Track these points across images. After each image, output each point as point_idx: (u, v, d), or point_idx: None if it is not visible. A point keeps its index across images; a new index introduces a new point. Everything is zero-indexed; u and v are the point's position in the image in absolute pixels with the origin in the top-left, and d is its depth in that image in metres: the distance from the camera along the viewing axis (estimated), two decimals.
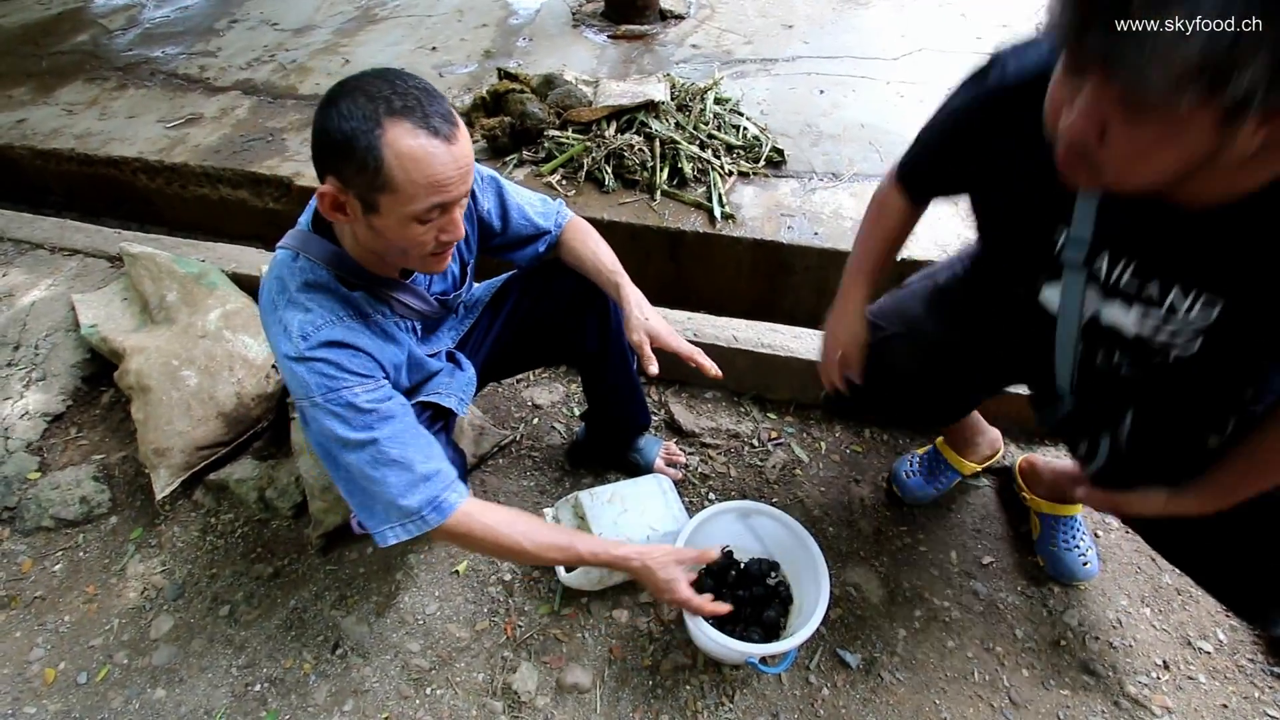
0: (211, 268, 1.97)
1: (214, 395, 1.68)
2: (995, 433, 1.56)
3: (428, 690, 1.34)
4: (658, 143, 2.13)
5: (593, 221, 1.38)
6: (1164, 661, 1.33)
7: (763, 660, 1.19)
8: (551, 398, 1.87)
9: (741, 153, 2.19)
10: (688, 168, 2.08)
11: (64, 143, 2.68)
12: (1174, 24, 0.48)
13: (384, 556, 1.55)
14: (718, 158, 2.13)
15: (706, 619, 1.18)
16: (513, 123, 2.24)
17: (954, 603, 1.42)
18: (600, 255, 1.27)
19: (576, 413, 1.83)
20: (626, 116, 2.20)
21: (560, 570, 1.43)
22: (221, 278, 1.95)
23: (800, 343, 1.74)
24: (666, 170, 2.09)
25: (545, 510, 1.50)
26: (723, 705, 1.29)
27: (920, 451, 1.59)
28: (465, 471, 1.43)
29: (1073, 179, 0.68)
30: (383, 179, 0.86)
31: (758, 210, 2.01)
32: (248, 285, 1.97)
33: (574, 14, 3.27)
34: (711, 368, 1.18)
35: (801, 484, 1.65)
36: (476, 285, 1.38)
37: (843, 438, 1.74)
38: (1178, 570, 1.27)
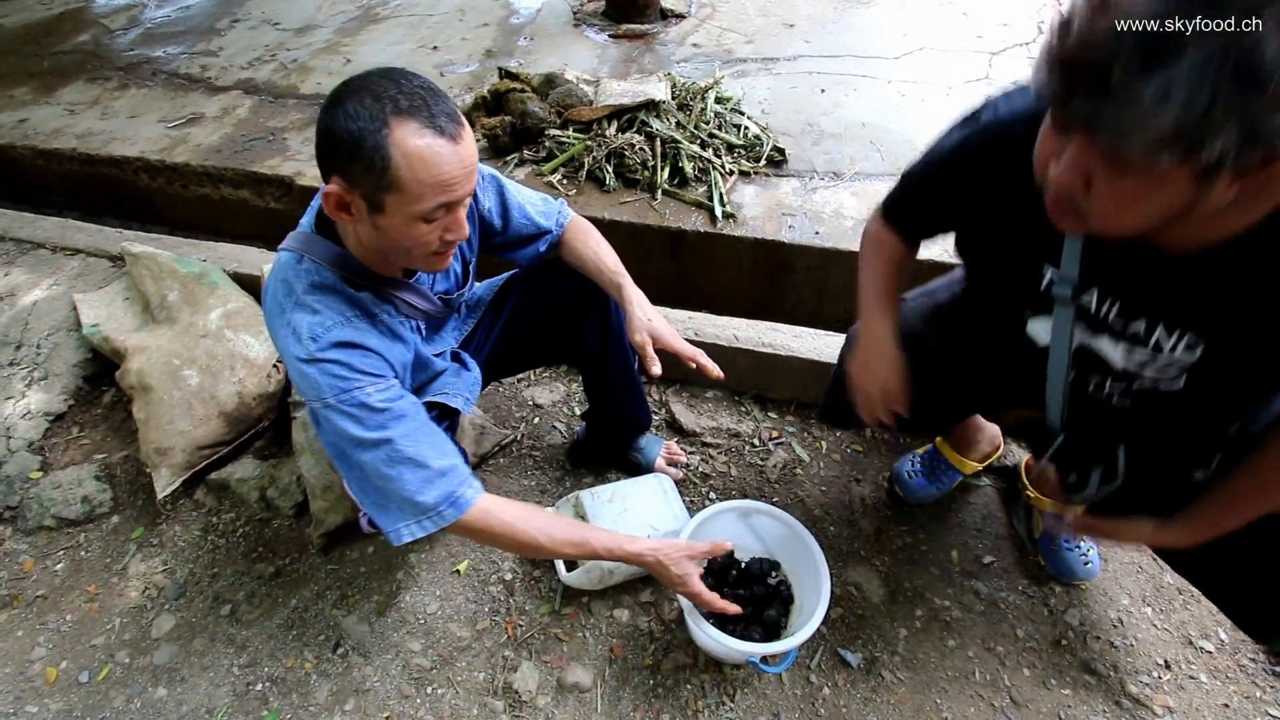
0: (213, 267, 1.97)
1: (215, 395, 1.68)
2: (995, 429, 1.56)
3: (429, 689, 1.34)
4: (659, 142, 2.13)
5: (594, 221, 1.38)
6: (1165, 661, 1.33)
7: (764, 659, 1.19)
8: (552, 397, 1.87)
9: (742, 152, 2.18)
10: (689, 167, 2.08)
11: (65, 142, 2.68)
12: (1149, 99, 0.52)
13: (385, 556, 1.55)
14: (719, 157, 2.13)
15: (707, 618, 1.18)
16: (514, 122, 2.24)
17: (955, 602, 1.42)
18: (602, 255, 1.27)
19: (577, 412, 1.83)
20: (627, 116, 2.20)
21: (561, 569, 1.43)
22: (223, 277, 1.95)
23: (801, 342, 1.74)
24: (667, 169, 2.09)
25: (546, 509, 1.50)
26: (724, 705, 1.29)
27: (920, 451, 1.58)
28: None
29: (1061, 224, 0.73)
30: (389, 179, 0.85)
31: (759, 209, 2.00)
32: (249, 285, 1.97)
33: (575, 13, 3.27)
34: (713, 369, 1.18)
35: (802, 483, 1.64)
36: (477, 285, 1.38)
37: (843, 437, 1.73)
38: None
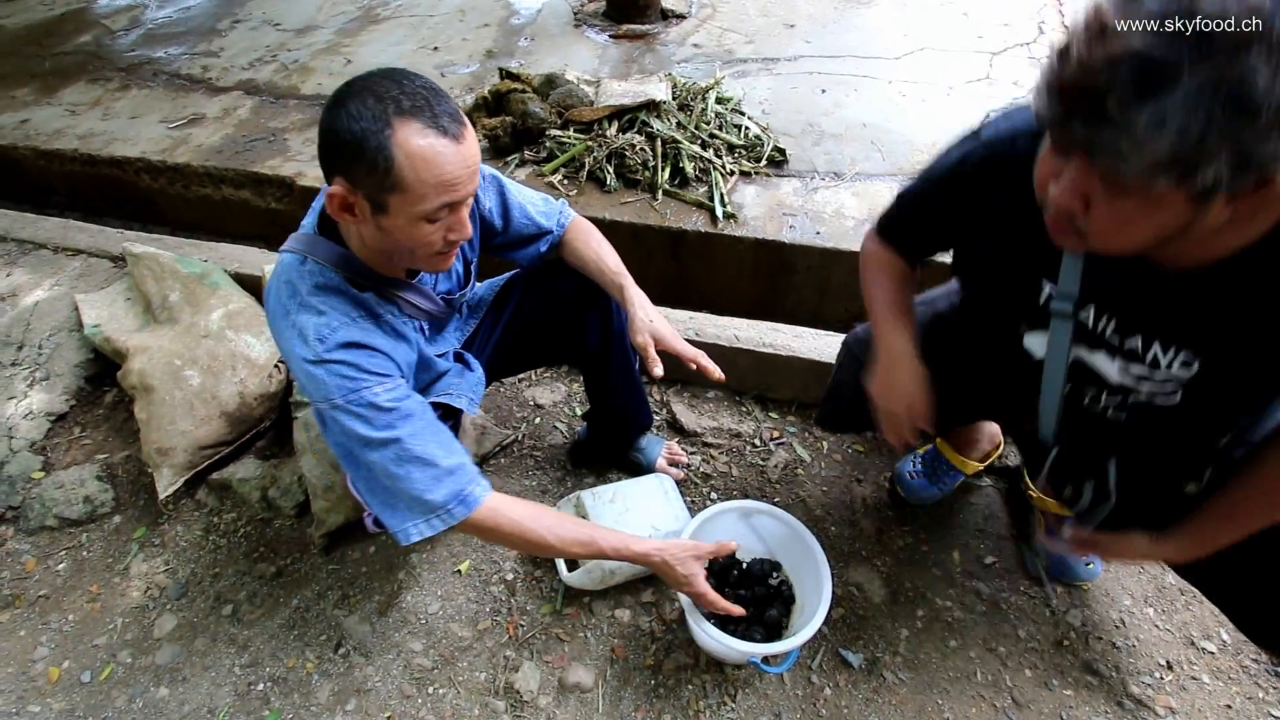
0: (214, 268, 1.98)
1: (217, 395, 1.68)
2: (994, 427, 1.56)
3: (430, 689, 1.34)
4: (659, 142, 2.13)
5: (594, 221, 1.38)
6: (1167, 662, 1.33)
7: (765, 660, 1.19)
8: (553, 397, 1.87)
9: (743, 152, 2.18)
10: (689, 167, 2.08)
11: (67, 143, 2.68)
12: (1145, 126, 0.54)
13: (386, 556, 1.55)
14: (719, 157, 2.13)
15: (709, 618, 1.18)
16: (514, 122, 2.24)
17: (956, 603, 1.42)
18: (604, 256, 1.27)
19: (578, 412, 1.83)
20: (628, 116, 2.20)
21: (562, 569, 1.43)
22: (224, 277, 1.95)
23: (802, 342, 1.74)
24: (668, 170, 2.09)
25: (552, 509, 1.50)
26: (725, 705, 1.29)
27: (921, 451, 1.58)
28: None
29: (1061, 242, 0.75)
30: (393, 179, 0.86)
31: (759, 210, 2.00)
32: (250, 285, 1.97)
33: (575, 14, 3.27)
34: (714, 370, 1.18)
35: (803, 483, 1.64)
36: (478, 285, 1.38)
37: (845, 438, 1.73)
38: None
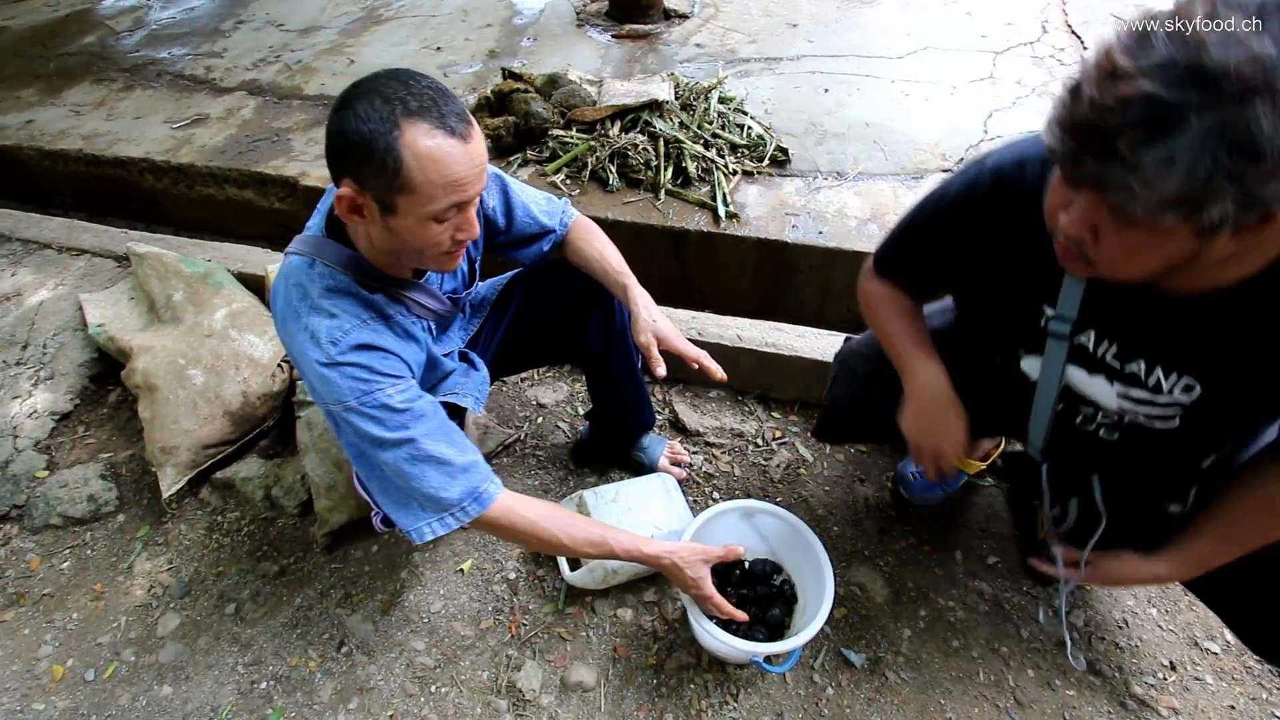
0: (218, 267, 1.98)
1: (220, 394, 1.69)
2: None
3: (432, 688, 1.35)
4: (662, 142, 2.13)
5: (597, 221, 1.38)
6: (1170, 662, 1.32)
7: (767, 659, 1.19)
8: (556, 397, 1.87)
9: (746, 152, 2.18)
10: (692, 167, 2.08)
11: (71, 143, 2.69)
12: (1153, 165, 0.56)
13: (389, 555, 1.56)
14: (722, 157, 2.13)
15: (711, 617, 1.18)
16: (517, 122, 2.25)
17: (959, 602, 1.42)
18: (607, 256, 1.27)
19: (581, 412, 1.83)
20: (631, 116, 2.20)
21: (564, 569, 1.43)
22: (228, 277, 1.96)
23: (804, 342, 1.74)
24: (671, 169, 2.09)
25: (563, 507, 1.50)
26: (727, 704, 1.29)
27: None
28: None
29: (1070, 269, 0.77)
30: (401, 180, 0.86)
31: (762, 209, 2.00)
32: (254, 285, 1.98)
33: (578, 14, 3.27)
34: (717, 371, 1.18)
35: (806, 483, 1.64)
36: (480, 284, 1.38)
37: None
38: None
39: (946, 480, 1.16)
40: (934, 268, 1.07)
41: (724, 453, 1.71)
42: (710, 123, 2.22)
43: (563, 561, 1.44)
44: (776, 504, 1.34)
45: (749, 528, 1.36)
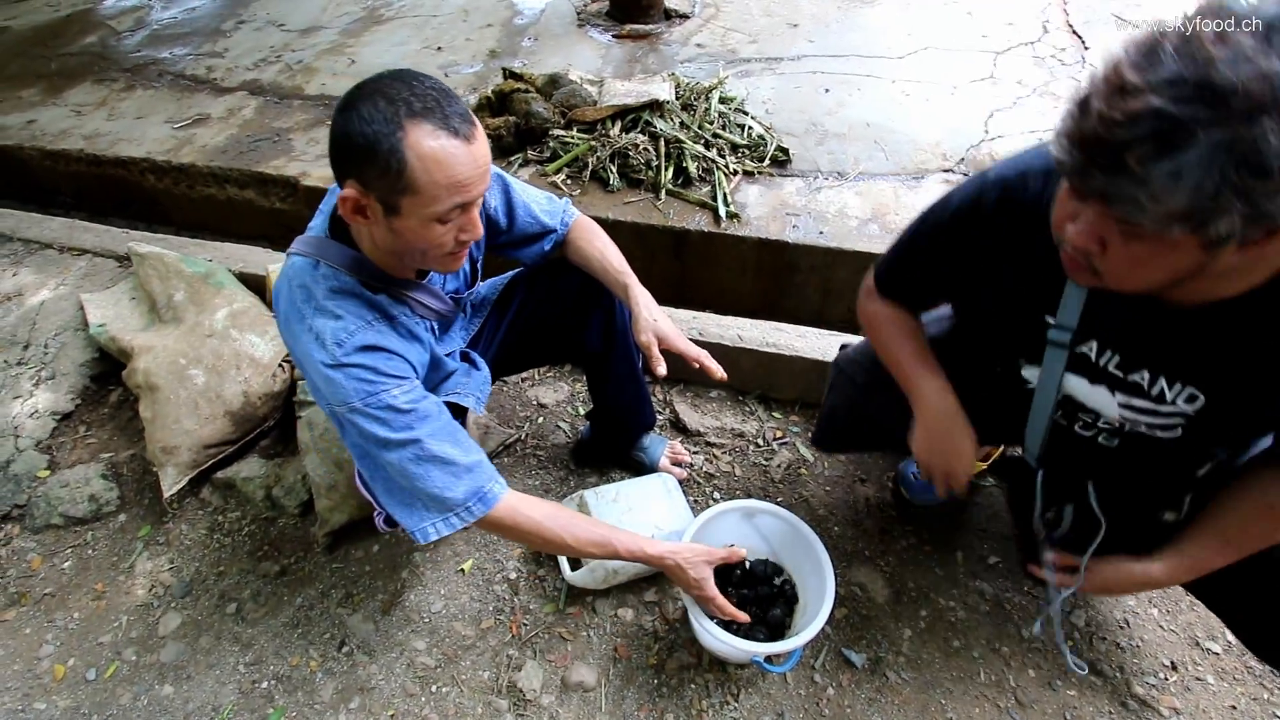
0: (219, 267, 1.98)
1: (221, 394, 1.69)
2: None
3: (433, 688, 1.35)
4: (663, 142, 2.13)
5: (598, 221, 1.38)
6: (1172, 662, 1.32)
7: (768, 659, 1.19)
8: (556, 396, 1.88)
9: (746, 152, 2.18)
10: (692, 167, 2.08)
11: (73, 143, 2.69)
12: (1162, 180, 0.57)
13: (389, 555, 1.56)
14: (722, 157, 2.13)
15: (711, 617, 1.18)
16: (518, 122, 2.25)
17: (960, 602, 1.42)
18: (608, 255, 1.27)
19: (581, 411, 1.83)
20: (631, 116, 2.20)
21: (565, 568, 1.43)
22: (229, 277, 1.96)
23: (805, 342, 1.74)
24: (671, 169, 2.09)
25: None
26: (728, 704, 1.29)
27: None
28: None
29: (1077, 279, 0.77)
30: (405, 181, 0.86)
31: (763, 209, 2.00)
32: (255, 285, 1.98)
33: (579, 14, 3.27)
34: (717, 370, 1.18)
35: (806, 483, 1.64)
36: (480, 283, 1.39)
37: None
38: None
39: (956, 495, 1.16)
40: (937, 282, 1.06)
41: (725, 453, 1.71)
42: (711, 123, 2.22)
43: (563, 561, 1.44)
44: (777, 504, 1.34)
45: (750, 528, 1.36)
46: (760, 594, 1.29)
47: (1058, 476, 1.10)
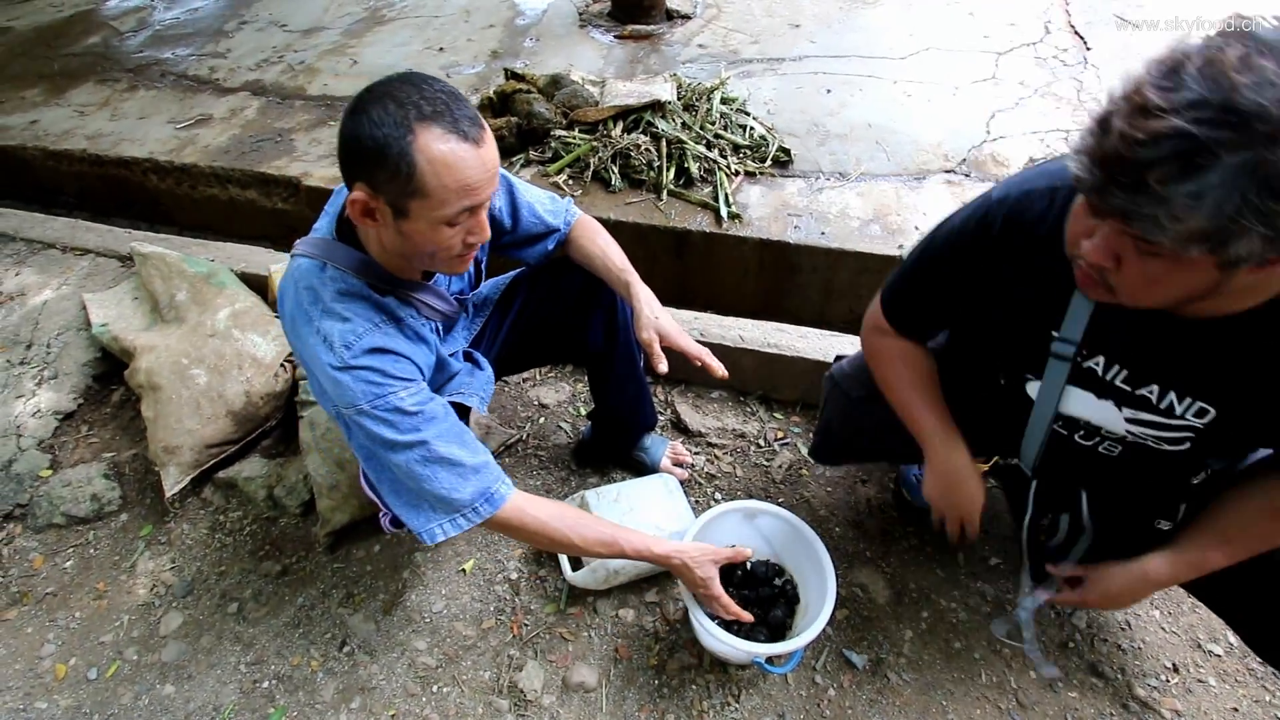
0: (221, 267, 1.99)
1: (223, 394, 1.69)
2: None
3: (434, 688, 1.35)
4: (664, 142, 2.13)
5: (599, 221, 1.38)
6: (1173, 664, 1.32)
7: (769, 660, 1.19)
8: (558, 397, 1.88)
9: (748, 152, 2.18)
10: (694, 167, 2.08)
11: (75, 143, 2.70)
12: (1181, 201, 0.57)
13: (391, 555, 1.56)
14: (724, 157, 2.13)
15: (712, 618, 1.18)
16: (520, 123, 2.25)
17: (961, 604, 1.41)
18: (610, 254, 1.27)
19: (583, 412, 1.83)
20: (633, 116, 2.20)
21: (566, 569, 1.43)
22: (231, 277, 1.96)
23: (807, 342, 1.74)
24: (673, 170, 2.09)
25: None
26: (729, 705, 1.29)
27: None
28: None
29: (1090, 295, 0.78)
30: (414, 184, 0.86)
31: (764, 210, 2.00)
32: (257, 285, 1.98)
33: (581, 14, 3.27)
34: (718, 368, 1.18)
35: (808, 484, 1.64)
36: (482, 283, 1.39)
37: None
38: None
39: (968, 540, 1.18)
40: (946, 306, 1.06)
41: (726, 453, 1.71)
42: (712, 123, 2.22)
43: (564, 562, 1.44)
44: (779, 505, 1.34)
45: (751, 529, 1.35)
46: (761, 595, 1.29)
47: (1054, 486, 1.11)
